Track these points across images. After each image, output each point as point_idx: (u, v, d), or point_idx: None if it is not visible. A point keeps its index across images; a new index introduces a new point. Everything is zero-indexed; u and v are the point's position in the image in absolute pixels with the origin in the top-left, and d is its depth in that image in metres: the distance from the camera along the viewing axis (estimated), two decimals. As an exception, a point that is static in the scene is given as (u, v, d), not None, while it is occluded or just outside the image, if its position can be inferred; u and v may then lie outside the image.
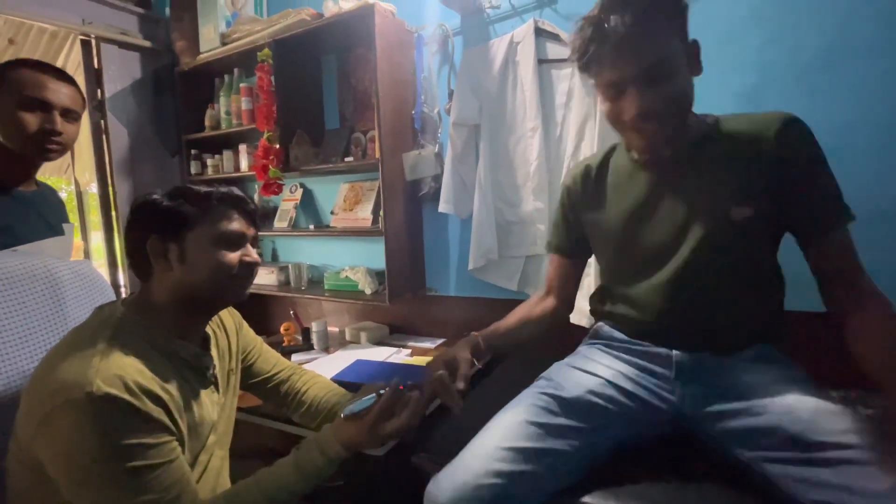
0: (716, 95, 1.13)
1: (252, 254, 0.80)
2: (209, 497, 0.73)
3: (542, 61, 1.29)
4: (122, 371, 0.66)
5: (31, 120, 0.95)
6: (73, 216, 2.26)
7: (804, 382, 0.69)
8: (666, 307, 0.76)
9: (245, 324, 1.01)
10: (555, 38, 1.27)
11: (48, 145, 0.98)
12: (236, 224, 0.77)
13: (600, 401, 0.75)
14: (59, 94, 0.98)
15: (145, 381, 0.67)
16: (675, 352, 0.75)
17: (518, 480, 0.67)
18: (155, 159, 1.91)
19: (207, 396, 0.82)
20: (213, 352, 0.87)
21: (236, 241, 0.77)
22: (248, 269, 0.79)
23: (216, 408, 0.85)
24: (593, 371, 0.80)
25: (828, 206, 0.71)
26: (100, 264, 1.96)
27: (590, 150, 1.22)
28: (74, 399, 0.62)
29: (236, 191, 0.79)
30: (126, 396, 0.64)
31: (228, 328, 0.95)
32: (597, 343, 0.88)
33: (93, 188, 2.00)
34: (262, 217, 0.87)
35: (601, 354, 0.84)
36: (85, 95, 1.07)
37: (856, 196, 0.73)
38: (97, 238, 2.03)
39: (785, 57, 1.09)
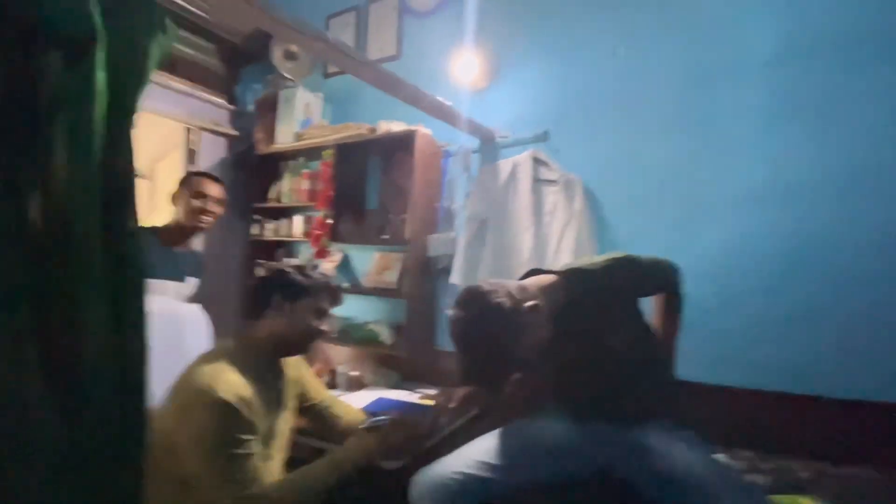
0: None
1: (326, 326, 1.18)
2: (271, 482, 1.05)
3: (536, 180, 1.74)
4: (234, 385, 1.01)
5: (197, 204, 1.54)
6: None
7: (681, 440, 1.02)
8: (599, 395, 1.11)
9: (303, 360, 1.35)
10: (545, 164, 1.73)
11: (202, 219, 1.56)
12: (329, 305, 1.17)
13: (557, 449, 1.08)
14: (212, 190, 1.59)
15: (246, 394, 1.02)
16: (606, 425, 1.08)
17: (476, 483, 1.00)
18: (225, 221, 2.36)
19: (277, 411, 1.16)
20: (284, 379, 1.22)
21: (323, 316, 1.16)
22: (320, 336, 1.17)
23: (281, 421, 1.18)
24: (555, 429, 1.13)
25: None
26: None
27: (568, 248, 1.62)
28: (206, 400, 0.97)
29: (335, 283, 1.19)
30: (235, 403, 0.99)
31: (292, 362, 1.29)
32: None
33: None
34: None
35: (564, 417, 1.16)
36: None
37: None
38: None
39: (706, 198, 1.52)
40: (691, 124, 1.57)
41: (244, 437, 0.99)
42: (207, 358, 1.07)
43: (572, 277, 1.02)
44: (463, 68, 1.90)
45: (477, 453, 1.06)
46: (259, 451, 1.03)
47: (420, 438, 1.22)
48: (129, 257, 0.66)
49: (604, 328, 1.03)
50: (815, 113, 1.40)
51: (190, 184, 1.56)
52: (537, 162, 1.74)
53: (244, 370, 1.04)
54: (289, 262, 1.17)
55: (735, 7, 1.51)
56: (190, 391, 0.99)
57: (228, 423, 0.97)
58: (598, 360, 1.04)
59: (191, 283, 1.62)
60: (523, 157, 1.76)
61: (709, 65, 1.55)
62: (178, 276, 1.56)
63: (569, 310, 1.00)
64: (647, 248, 1.32)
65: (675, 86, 1.60)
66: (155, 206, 2.83)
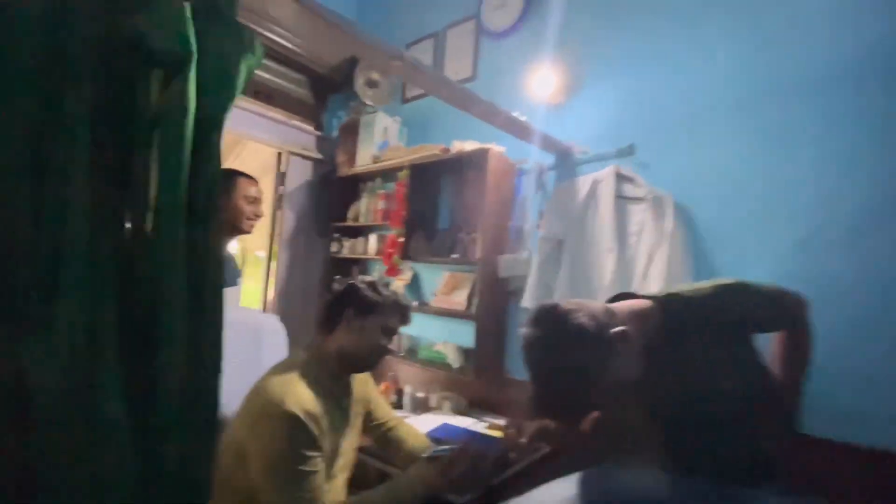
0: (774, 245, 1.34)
1: (393, 345, 1.17)
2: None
3: (620, 197, 1.59)
4: (302, 399, 1.01)
5: (249, 209, 1.50)
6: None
7: None
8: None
9: (371, 379, 1.34)
10: (631, 180, 1.58)
11: (253, 222, 1.53)
12: (399, 324, 1.16)
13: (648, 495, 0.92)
14: (259, 192, 1.56)
15: (314, 409, 1.01)
16: (709, 483, 0.90)
17: None
18: (307, 238, 2.52)
19: (342, 429, 1.15)
20: (351, 395, 1.21)
21: (392, 334, 1.15)
22: (387, 354, 1.16)
23: (346, 439, 1.16)
24: (647, 482, 0.97)
25: None
26: (254, 303, 2.55)
27: (658, 272, 1.45)
28: (274, 413, 0.97)
29: (405, 301, 1.18)
30: (303, 418, 0.98)
31: (360, 380, 1.29)
32: None
33: (259, 254, 2.66)
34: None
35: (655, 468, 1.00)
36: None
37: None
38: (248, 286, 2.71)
39: (833, 215, 1.27)
40: (807, 133, 1.34)
41: (309, 453, 0.98)
42: (279, 369, 1.09)
43: (672, 304, 0.89)
44: (540, 84, 1.84)
45: (554, 500, 0.93)
46: (323, 469, 1.02)
47: (486, 473, 1.13)
48: (209, 266, 0.68)
49: (709, 366, 0.87)
50: None
51: (238, 186, 1.49)
52: (621, 178, 1.61)
53: (313, 384, 1.05)
54: (362, 279, 1.17)
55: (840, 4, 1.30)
56: (260, 402, 1.01)
57: (295, 438, 0.97)
58: (701, 404, 0.87)
59: (238, 288, 1.61)
60: (605, 173, 1.63)
61: (822, 67, 1.33)
62: (231, 282, 1.54)
63: (666, 341, 0.86)
64: (756, 275, 1.13)
65: (783, 92, 1.39)
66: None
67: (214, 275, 0.70)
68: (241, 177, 1.52)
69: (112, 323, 0.58)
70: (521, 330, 0.87)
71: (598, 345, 0.80)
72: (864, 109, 1.26)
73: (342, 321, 1.12)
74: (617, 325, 0.82)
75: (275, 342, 1.38)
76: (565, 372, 0.80)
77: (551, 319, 0.83)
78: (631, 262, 1.55)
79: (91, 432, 0.56)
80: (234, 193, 1.47)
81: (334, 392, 1.13)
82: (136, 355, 0.61)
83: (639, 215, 1.55)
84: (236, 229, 1.50)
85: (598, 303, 0.89)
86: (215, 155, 0.67)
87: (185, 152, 0.62)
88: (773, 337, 1.01)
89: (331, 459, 1.08)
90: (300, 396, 1.00)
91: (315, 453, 0.99)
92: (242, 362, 1.25)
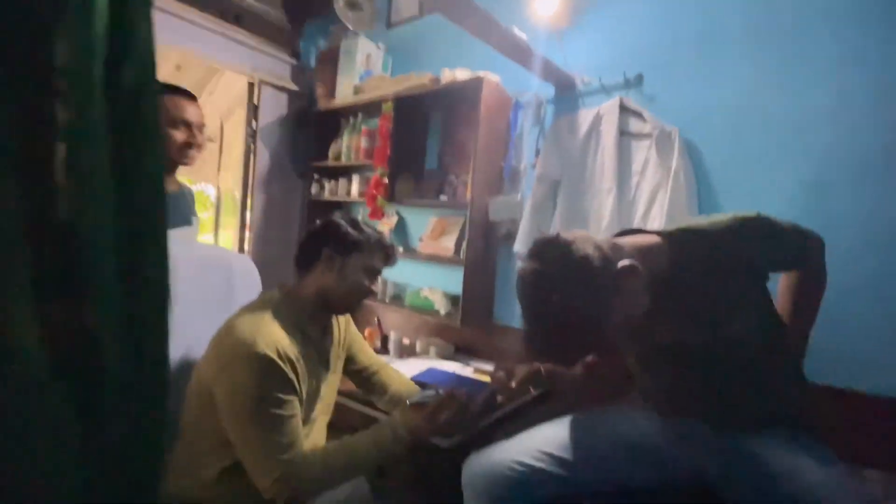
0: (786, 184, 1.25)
1: (376, 286, 1.08)
2: (311, 449, 0.95)
3: (624, 133, 1.47)
4: (276, 340, 0.92)
5: (178, 135, 1.18)
6: (212, 212, 2.80)
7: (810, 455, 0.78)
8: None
9: (352, 321, 1.26)
10: (637, 115, 1.45)
11: (189, 154, 1.22)
12: (383, 264, 1.06)
13: (645, 450, 0.88)
14: (196, 114, 1.21)
15: (289, 351, 0.93)
16: (709, 427, 0.87)
17: (540, 477, 0.84)
18: (285, 179, 2.35)
19: (322, 372, 1.08)
20: (331, 338, 1.13)
21: (375, 274, 1.06)
22: (369, 295, 1.07)
23: (325, 383, 1.10)
24: (643, 426, 0.93)
25: None
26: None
27: (659, 214, 1.36)
28: (245, 354, 0.88)
29: (389, 241, 1.08)
30: (277, 360, 0.90)
31: (341, 322, 1.21)
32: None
33: (235, 195, 2.48)
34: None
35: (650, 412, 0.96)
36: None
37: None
38: (225, 230, 2.55)
39: (850, 154, 1.18)
40: (827, 66, 1.22)
41: (284, 396, 0.91)
42: (250, 308, 1.00)
43: (683, 239, 0.80)
44: (540, 5, 1.64)
45: (542, 443, 0.89)
46: (300, 413, 0.95)
47: (474, 417, 1.08)
48: (143, 180, 0.54)
49: (719, 307, 0.80)
50: None
51: (165, 105, 1.13)
52: (626, 111, 1.47)
53: (289, 325, 0.96)
54: (343, 215, 1.05)
55: None
56: (229, 343, 0.92)
57: (268, 380, 0.89)
58: (706, 347, 0.82)
59: (196, 226, 1.37)
60: (608, 106, 1.49)
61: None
62: (182, 221, 1.31)
63: (675, 280, 0.78)
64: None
65: (803, 22, 1.24)
66: (225, 167, 2.90)
67: (152, 192, 0.56)
68: (170, 92, 1.15)
69: (15, 246, 0.44)
70: (519, 264, 0.78)
71: (601, 280, 0.72)
72: (889, 43, 1.14)
73: (321, 259, 1.02)
74: (623, 260, 0.74)
75: (246, 282, 1.27)
76: (564, 308, 0.72)
77: (552, 251, 0.74)
78: (631, 204, 1.45)
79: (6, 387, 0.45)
80: (164, 118, 1.13)
81: (312, 334, 1.04)
82: (60, 302, 0.49)
83: (643, 153, 1.44)
84: (175, 164, 1.22)
85: (602, 237, 0.80)
86: (144, 20, 0.51)
87: (96, 28, 0.45)
88: (784, 277, 0.95)
89: (309, 403, 1.01)
90: (273, 336, 0.92)
91: (290, 396, 0.92)
92: (208, 302, 1.15)
